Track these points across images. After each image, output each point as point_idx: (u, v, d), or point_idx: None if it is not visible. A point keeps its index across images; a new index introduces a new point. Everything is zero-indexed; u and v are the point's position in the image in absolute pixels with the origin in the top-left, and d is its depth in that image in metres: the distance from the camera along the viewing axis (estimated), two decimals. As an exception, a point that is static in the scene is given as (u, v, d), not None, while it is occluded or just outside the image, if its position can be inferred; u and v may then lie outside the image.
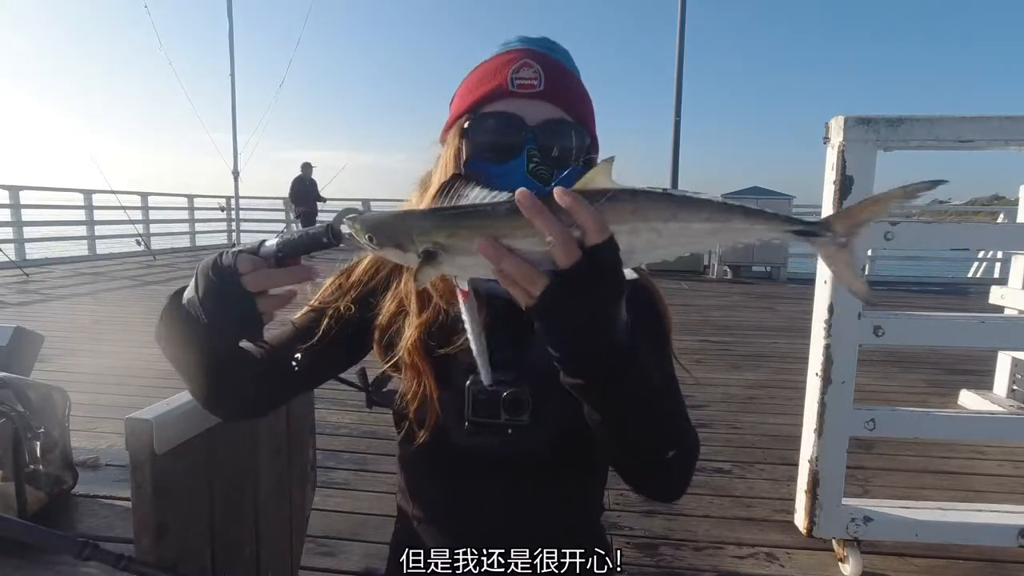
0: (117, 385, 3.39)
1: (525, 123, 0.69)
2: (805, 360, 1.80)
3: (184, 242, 12.48)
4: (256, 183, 13.34)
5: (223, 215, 13.01)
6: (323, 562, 1.78)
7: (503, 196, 0.50)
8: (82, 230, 10.29)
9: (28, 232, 9.33)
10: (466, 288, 0.64)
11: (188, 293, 0.61)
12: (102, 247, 10.45)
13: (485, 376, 0.69)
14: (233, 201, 12.55)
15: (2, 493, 0.92)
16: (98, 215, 10.38)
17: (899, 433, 1.96)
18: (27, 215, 9.42)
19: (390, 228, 0.55)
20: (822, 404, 1.72)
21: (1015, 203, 3.41)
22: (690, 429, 0.67)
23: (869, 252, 7.65)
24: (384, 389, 0.83)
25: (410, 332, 0.73)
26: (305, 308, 0.79)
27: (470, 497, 0.76)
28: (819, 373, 1.72)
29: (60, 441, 1.03)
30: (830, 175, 1.66)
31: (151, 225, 11.57)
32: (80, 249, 10.16)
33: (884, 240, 1.66)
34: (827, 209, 1.68)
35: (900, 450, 2.65)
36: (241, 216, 12.79)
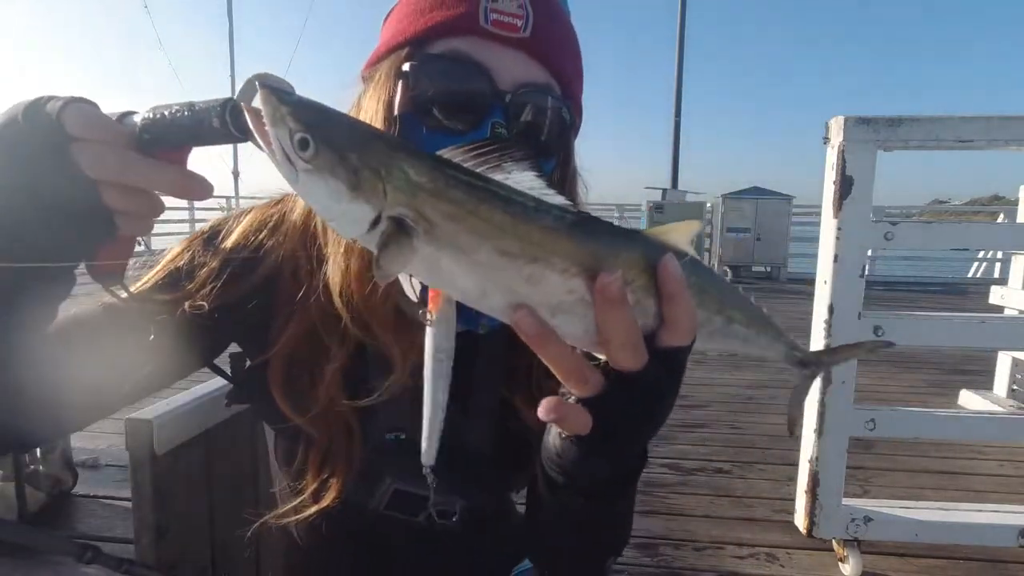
0: (117, 385, 3.38)
1: (494, 82, 0.48)
2: (805, 360, 1.80)
3: (184, 242, 12.47)
4: (256, 183, 13.33)
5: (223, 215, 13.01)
6: (323, 562, 1.77)
7: (556, 200, 0.33)
8: (82, 230, 10.27)
9: (28, 232, 9.32)
10: (445, 297, 0.44)
11: None
12: (102, 247, 10.44)
13: (427, 456, 0.50)
14: (233, 201, 12.56)
15: (2, 493, 0.92)
16: (98, 215, 10.37)
17: (899, 433, 1.96)
18: (27, 215, 9.40)
19: (350, 139, 0.30)
20: (822, 404, 1.72)
21: (1015, 203, 3.41)
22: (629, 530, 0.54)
23: (869, 252, 7.62)
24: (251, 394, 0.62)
25: (330, 373, 0.53)
26: (146, 279, 0.55)
27: (376, 564, 0.67)
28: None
29: (60, 441, 1.03)
30: (830, 175, 1.66)
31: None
32: (80, 249, 10.14)
33: (884, 240, 1.66)
34: (827, 209, 1.68)
35: (900, 450, 2.64)
36: (241, 216, 12.78)
